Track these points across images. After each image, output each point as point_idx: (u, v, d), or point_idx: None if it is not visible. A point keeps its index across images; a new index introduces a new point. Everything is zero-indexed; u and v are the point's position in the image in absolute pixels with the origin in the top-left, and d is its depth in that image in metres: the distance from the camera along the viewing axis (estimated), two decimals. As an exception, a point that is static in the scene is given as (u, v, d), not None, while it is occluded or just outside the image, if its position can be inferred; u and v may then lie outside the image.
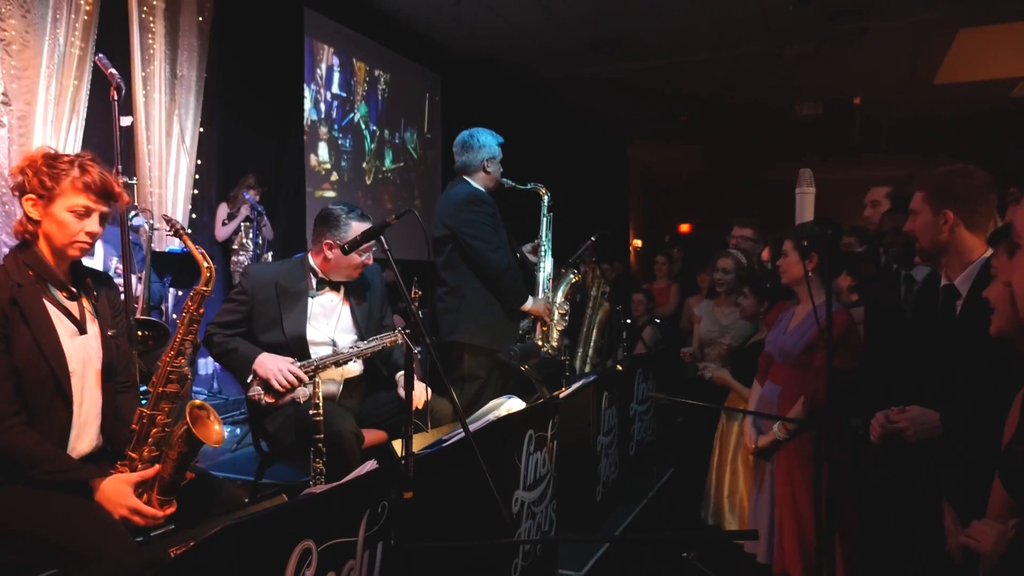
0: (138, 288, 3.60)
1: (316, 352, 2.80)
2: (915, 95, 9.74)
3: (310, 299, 2.84)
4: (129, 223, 2.70)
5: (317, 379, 2.50)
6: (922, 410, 2.00)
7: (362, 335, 2.91)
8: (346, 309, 2.92)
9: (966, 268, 2.02)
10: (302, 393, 2.64)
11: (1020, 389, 1.36)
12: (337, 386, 2.86)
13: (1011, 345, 1.36)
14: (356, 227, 2.82)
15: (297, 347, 2.76)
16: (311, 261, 2.89)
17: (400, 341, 2.72)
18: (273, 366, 2.63)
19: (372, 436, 2.80)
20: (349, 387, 2.91)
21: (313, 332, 2.82)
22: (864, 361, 2.66)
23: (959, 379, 1.96)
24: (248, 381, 2.65)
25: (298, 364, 2.67)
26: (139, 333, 3.53)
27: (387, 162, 7.93)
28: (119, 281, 2.74)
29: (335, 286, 2.90)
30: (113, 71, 2.38)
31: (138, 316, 3.58)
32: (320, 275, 2.87)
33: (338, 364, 2.76)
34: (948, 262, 2.07)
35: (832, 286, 3.19)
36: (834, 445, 2.42)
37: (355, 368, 2.87)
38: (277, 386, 2.60)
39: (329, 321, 2.87)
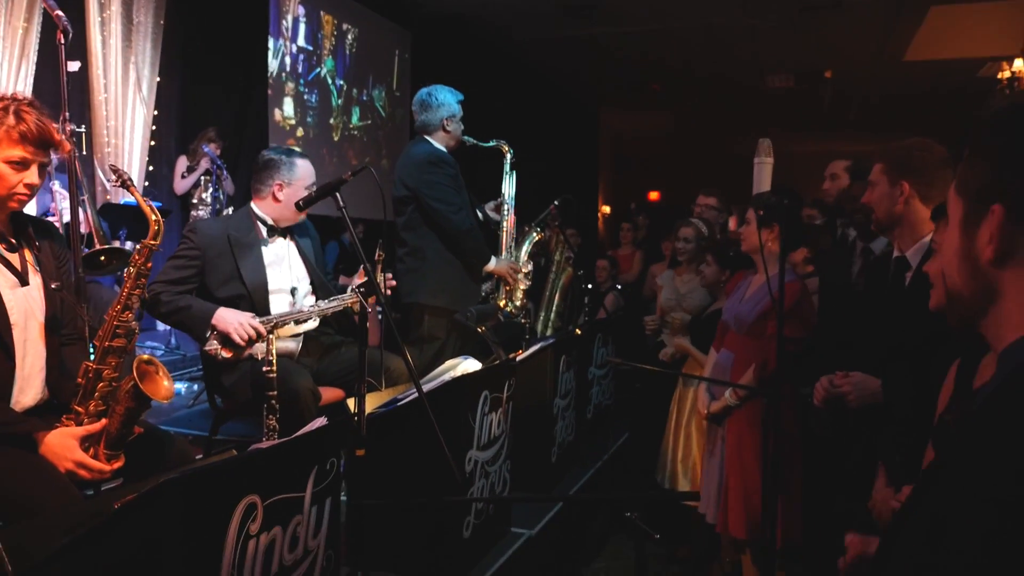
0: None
1: (275, 301, 2.79)
2: (885, 71, 9.80)
3: (263, 248, 2.82)
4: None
5: (272, 336, 2.47)
6: (864, 376, 2.06)
7: (315, 279, 2.92)
8: (296, 255, 2.93)
9: (918, 241, 2.06)
10: (260, 348, 2.61)
11: (955, 360, 1.40)
12: (296, 343, 2.84)
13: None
14: (301, 164, 2.84)
15: (259, 297, 2.74)
16: (257, 210, 2.85)
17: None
18: (233, 319, 2.58)
19: (330, 394, 2.80)
20: (306, 343, 2.89)
21: (272, 281, 2.80)
22: (816, 332, 2.71)
23: (904, 348, 2.01)
24: (207, 336, 2.61)
25: (258, 320, 2.64)
26: (101, 258, 3.47)
27: (354, 119, 7.79)
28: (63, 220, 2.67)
29: (282, 232, 2.89)
30: (59, 13, 2.27)
31: (97, 247, 3.48)
32: (270, 222, 2.84)
33: (298, 322, 2.74)
34: (901, 234, 2.11)
35: (788, 257, 3.26)
36: (783, 412, 2.49)
37: (310, 324, 2.85)
38: (238, 339, 2.56)
39: (281, 268, 2.86)
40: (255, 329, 2.58)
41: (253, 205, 2.87)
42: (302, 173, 2.82)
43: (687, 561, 3.26)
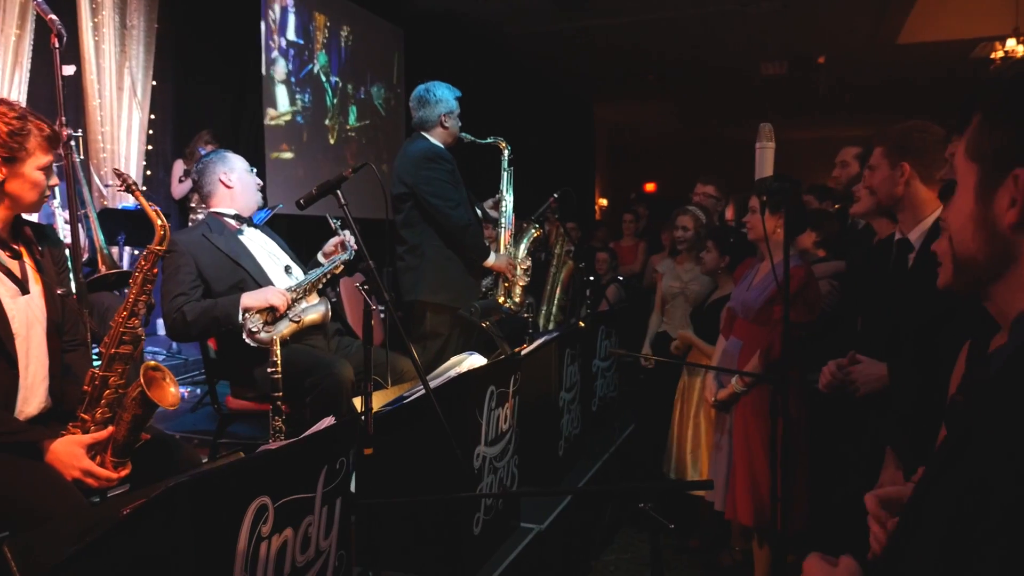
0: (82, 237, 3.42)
1: (275, 281, 2.80)
2: (879, 54, 9.78)
3: (240, 237, 2.85)
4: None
5: (275, 336, 2.44)
6: (870, 361, 2.06)
7: (297, 261, 2.98)
8: (271, 241, 2.97)
9: (920, 222, 2.06)
10: (301, 314, 2.68)
11: (961, 339, 1.39)
12: (326, 306, 2.81)
13: (957, 297, 1.38)
14: (229, 154, 2.94)
15: (261, 280, 2.76)
16: (218, 210, 2.89)
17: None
18: (266, 291, 2.65)
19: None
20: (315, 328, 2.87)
21: (264, 264, 2.83)
22: (826, 317, 2.70)
23: (907, 331, 2.01)
24: (242, 321, 2.59)
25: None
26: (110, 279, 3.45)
27: (351, 119, 7.75)
28: (64, 229, 2.65)
29: (247, 220, 2.93)
30: (53, 17, 2.26)
31: (104, 271, 3.44)
32: (234, 213, 2.88)
33: (312, 287, 2.79)
34: (903, 217, 2.11)
35: (796, 242, 3.24)
36: (789, 398, 2.48)
37: (314, 298, 2.88)
38: (282, 305, 2.62)
39: (266, 252, 2.89)
40: (286, 296, 2.64)
41: (212, 210, 2.91)
42: (234, 159, 2.92)
43: (698, 551, 3.25)
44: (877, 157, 2.13)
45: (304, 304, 2.74)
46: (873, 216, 2.43)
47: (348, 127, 7.70)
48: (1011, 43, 7.54)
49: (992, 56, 7.80)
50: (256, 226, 2.97)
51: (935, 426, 1.54)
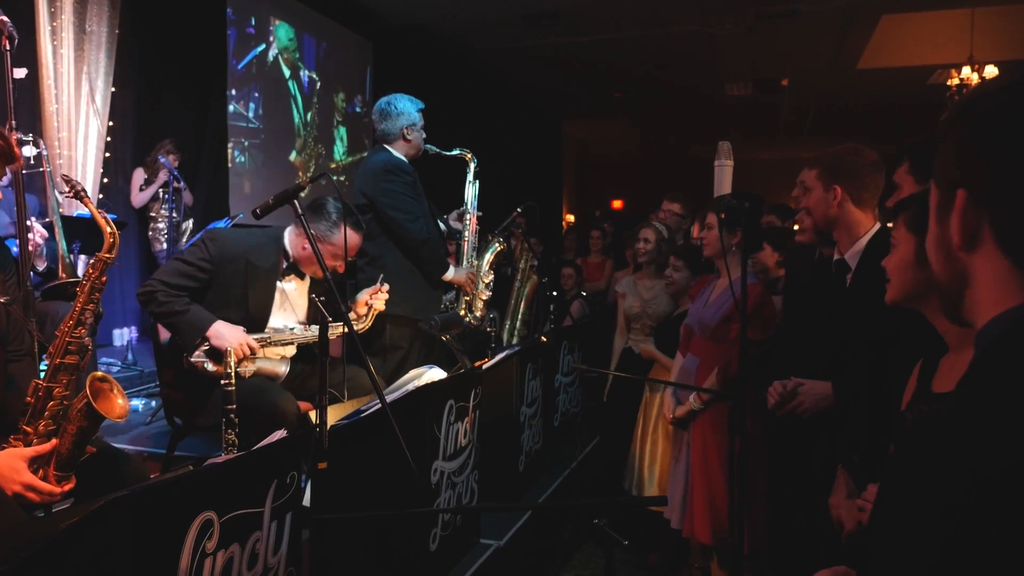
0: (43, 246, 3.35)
1: None
2: (840, 79, 10.02)
3: (277, 283, 2.76)
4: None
5: (229, 348, 2.40)
6: (813, 382, 2.10)
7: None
8: (304, 299, 2.87)
9: (855, 242, 2.11)
10: (247, 369, 2.59)
11: (908, 357, 1.41)
12: (285, 366, 2.76)
13: (901, 315, 1.41)
14: (340, 234, 2.73)
15: (255, 329, 2.69)
16: (286, 241, 2.80)
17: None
18: (231, 337, 2.55)
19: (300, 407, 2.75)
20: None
21: (274, 319, 2.76)
22: (780, 334, 2.73)
23: (849, 349, 2.05)
24: (195, 345, 2.54)
25: (253, 337, 2.62)
26: (72, 290, 3.38)
27: (315, 132, 7.69)
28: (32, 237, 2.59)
29: (300, 274, 2.84)
30: (4, 19, 2.22)
31: (64, 278, 3.37)
32: (291, 260, 2.79)
33: (288, 344, 2.72)
34: (839, 237, 2.17)
35: (757, 260, 3.28)
36: (747, 415, 2.50)
37: (291, 349, 2.82)
38: (236, 354, 2.50)
39: (286, 307, 2.81)
40: (251, 347, 2.56)
41: (286, 234, 2.80)
42: (338, 240, 2.73)
43: (657, 567, 3.25)
44: (812, 179, 2.19)
45: (264, 358, 2.67)
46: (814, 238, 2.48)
47: (311, 140, 7.64)
48: (966, 71, 7.76)
49: (948, 83, 8.02)
50: (306, 278, 2.85)
51: (885, 444, 1.57)
